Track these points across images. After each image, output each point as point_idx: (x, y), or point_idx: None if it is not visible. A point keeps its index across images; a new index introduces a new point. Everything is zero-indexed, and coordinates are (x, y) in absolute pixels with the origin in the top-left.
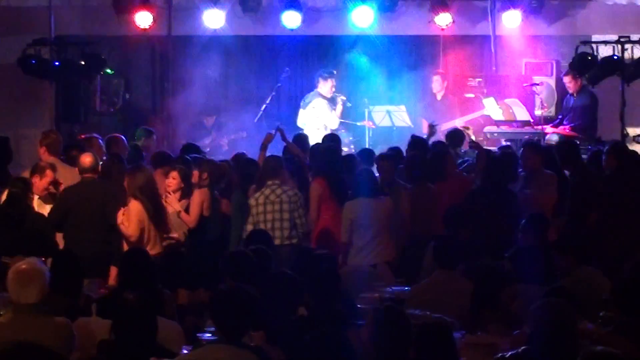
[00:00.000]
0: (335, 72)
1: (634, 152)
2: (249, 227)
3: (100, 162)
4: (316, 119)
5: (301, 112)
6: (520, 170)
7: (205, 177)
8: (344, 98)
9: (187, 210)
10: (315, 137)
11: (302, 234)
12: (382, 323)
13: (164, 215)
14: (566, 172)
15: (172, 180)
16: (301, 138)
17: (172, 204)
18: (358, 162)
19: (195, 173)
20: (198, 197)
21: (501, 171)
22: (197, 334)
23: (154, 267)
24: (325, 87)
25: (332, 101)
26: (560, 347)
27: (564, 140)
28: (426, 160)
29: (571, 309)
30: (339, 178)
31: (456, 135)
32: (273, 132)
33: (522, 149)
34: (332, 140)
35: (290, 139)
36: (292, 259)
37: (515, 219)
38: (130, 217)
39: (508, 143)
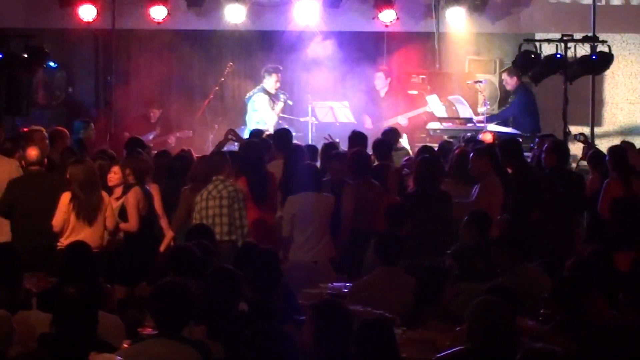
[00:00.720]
0: (280, 67)
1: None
2: (194, 222)
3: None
4: (254, 113)
5: (248, 106)
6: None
7: (129, 173)
8: (286, 96)
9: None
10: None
11: (242, 230)
12: (322, 318)
13: (99, 210)
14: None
15: (114, 175)
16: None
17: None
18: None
19: (116, 169)
20: (133, 198)
21: (431, 171)
22: (138, 329)
23: (95, 261)
24: (269, 82)
25: (275, 97)
26: (498, 345)
27: (506, 138)
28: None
29: (508, 306)
30: (258, 176)
31: (392, 133)
32: (230, 137)
33: (472, 153)
34: (255, 135)
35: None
36: (232, 254)
37: (449, 218)
38: (58, 207)
39: (450, 139)
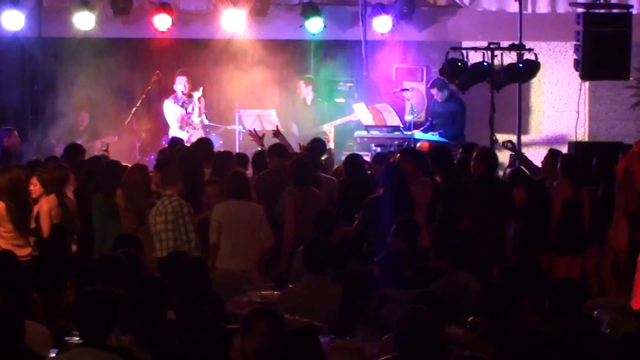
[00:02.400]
0: (187, 70)
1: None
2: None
3: None
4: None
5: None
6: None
7: (37, 183)
8: (199, 93)
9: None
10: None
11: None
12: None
13: (29, 217)
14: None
15: (33, 186)
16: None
17: None
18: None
19: (34, 180)
20: (46, 206)
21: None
22: (65, 337)
23: (22, 269)
24: (177, 86)
25: (177, 99)
26: (426, 353)
27: (436, 145)
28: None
29: (436, 315)
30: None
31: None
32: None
33: (397, 155)
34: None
35: None
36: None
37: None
38: None
39: (377, 148)
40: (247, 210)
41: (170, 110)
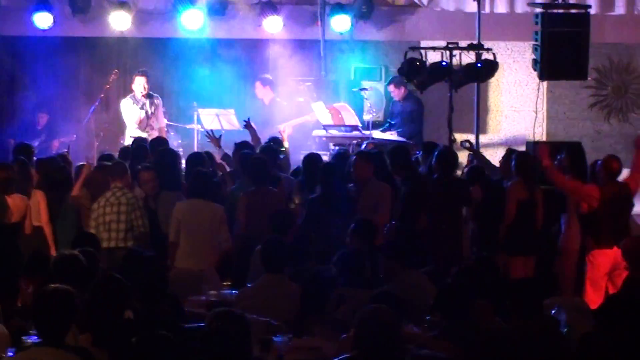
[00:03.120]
0: (146, 70)
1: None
2: (89, 229)
3: None
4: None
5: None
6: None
7: None
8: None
9: None
10: (132, 133)
11: (141, 235)
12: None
13: None
14: (396, 178)
15: None
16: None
17: None
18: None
19: None
20: None
21: (331, 177)
22: (22, 337)
23: None
24: (135, 86)
25: (137, 100)
26: (385, 353)
27: (396, 145)
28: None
29: (394, 314)
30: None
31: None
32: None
33: (353, 158)
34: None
35: None
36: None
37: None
38: None
39: (336, 148)
40: (208, 211)
41: (129, 110)
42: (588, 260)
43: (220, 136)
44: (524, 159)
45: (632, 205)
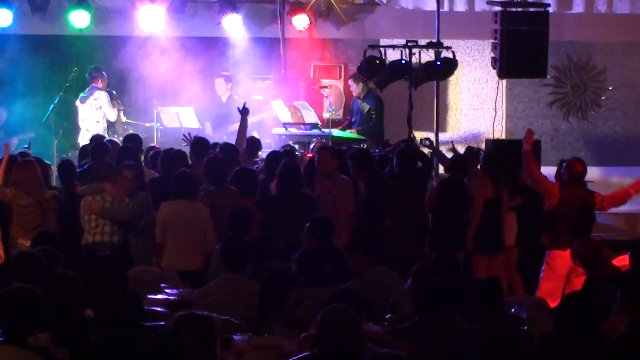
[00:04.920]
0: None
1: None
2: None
3: None
4: (96, 111)
5: (80, 107)
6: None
7: None
8: (114, 92)
9: None
10: (94, 130)
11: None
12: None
13: None
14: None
15: None
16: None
17: None
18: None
19: None
20: None
21: (294, 175)
22: None
23: None
24: (102, 82)
25: (110, 96)
26: (345, 351)
27: (358, 149)
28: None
29: (354, 313)
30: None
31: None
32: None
33: (317, 152)
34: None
35: None
36: None
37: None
38: None
39: (296, 146)
40: (193, 211)
41: (108, 102)
42: (545, 260)
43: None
44: (491, 158)
45: (593, 215)
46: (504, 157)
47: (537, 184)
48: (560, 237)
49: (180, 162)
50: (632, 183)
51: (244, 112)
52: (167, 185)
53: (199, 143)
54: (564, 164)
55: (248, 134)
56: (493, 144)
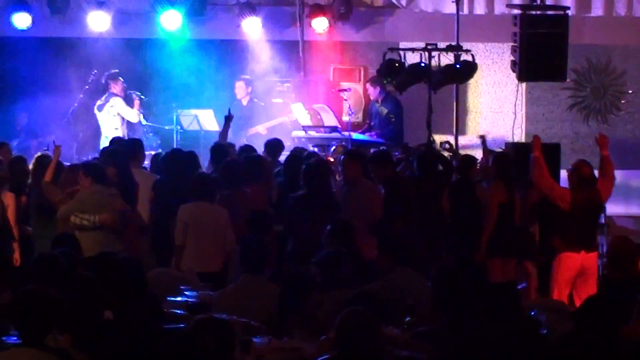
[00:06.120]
0: (118, 71)
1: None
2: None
3: None
4: (113, 118)
5: (98, 115)
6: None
7: None
8: (138, 93)
9: None
10: (113, 136)
11: None
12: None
13: None
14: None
15: None
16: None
17: None
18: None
19: None
20: None
21: (319, 178)
22: (2, 337)
23: None
24: (117, 86)
25: (127, 100)
26: (364, 354)
27: (378, 150)
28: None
29: (374, 316)
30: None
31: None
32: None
33: (342, 157)
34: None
35: None
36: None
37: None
38: None
39: (315, 149)
40: (212, 213)
41: (125, 106)
42: (555, 263)
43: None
44: (503, 161)
45: (601, 213)
46: (518, 160)
47: (548, 190)
48: (571, 239)
49: (186, 164)
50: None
51: (228, 118)
52: (171, 187)
53: (218, 149)
54: (571, 168)
55: (268, 137)
56: (513, 147)
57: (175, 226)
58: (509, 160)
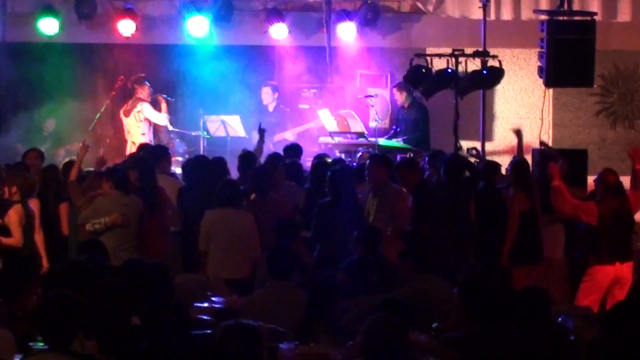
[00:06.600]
0: (144, 75)
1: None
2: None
3: None
4: (140, 123)
5: (125, 120)
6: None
7: (15, 192)
8: (165, 96)
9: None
10: (140, 141)
11: None
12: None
13: None
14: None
15: None
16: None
17: None
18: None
19: (5, 189)
20: (15, 216)
21: (344, 185)
22: (29, 343)
23: None
24: (144, 91)
25: (154, 103)
26: None
27: (404, 159)
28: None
29: (400, 322)
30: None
31: (294, 149)
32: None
33: (368, 162)
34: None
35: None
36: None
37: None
38: None
39: (342, 155)
40: (237, 219)
41: (153, 111)
42: (587, 273)
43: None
44: (522, 170)
45: (633, 221)
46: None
47: (573, 213)
48: (604, 253)
49: (210, 170)
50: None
51: (261, 133)
52: (195, 194)
53: (246, 157)
54: (596, 179)
55: (294, 141)
56: (539, 154)
57: (200, 232)
58: (527, 167)
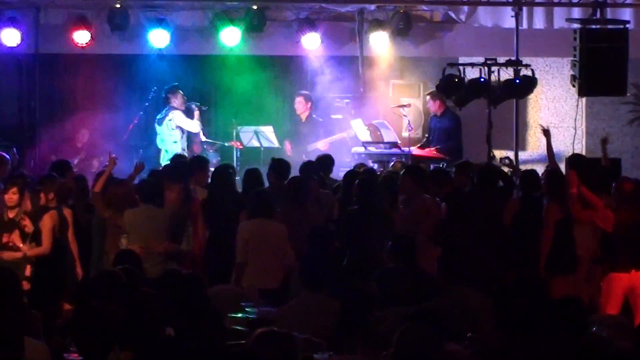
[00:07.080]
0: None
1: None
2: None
3: None
4: (172, 131)
5: (158, 129)
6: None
7: (52, 198)
8: (198, 104)
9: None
10: (172, 151)
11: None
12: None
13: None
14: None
15: (12, 195)
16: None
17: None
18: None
19: (41, 195)
20: (49, 222)
21: (370, 193)
22: (64, 354)
23: (20, 286)
24: (177, 100)
25: (187, 112)
26: None
27: (436, 168)
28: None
29: (435, 331)
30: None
31: (326, 160)
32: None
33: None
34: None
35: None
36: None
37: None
38: None
39: (375, 165)
40: (272, 230)
41: (185, 118)
42: (604, 282)
43: None
44: (555, 180)
45: None
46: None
47: (589, 220)
48: (620, 260)
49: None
50: None
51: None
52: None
53: (280, 164)
54: (613, 187)
55: (326, 151)
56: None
57: (236, 243)
58: (561, 176)
